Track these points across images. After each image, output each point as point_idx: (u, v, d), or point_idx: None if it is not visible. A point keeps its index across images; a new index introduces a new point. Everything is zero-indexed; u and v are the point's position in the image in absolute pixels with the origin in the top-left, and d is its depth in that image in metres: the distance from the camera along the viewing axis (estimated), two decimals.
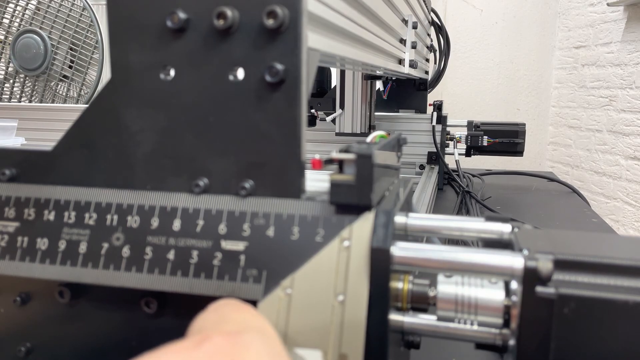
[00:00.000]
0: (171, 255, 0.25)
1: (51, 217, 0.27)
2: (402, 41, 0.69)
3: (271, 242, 0.25)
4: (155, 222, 0.26)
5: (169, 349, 0.17)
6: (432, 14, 1.11)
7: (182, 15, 0.25)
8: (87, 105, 0.28)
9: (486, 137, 1.00)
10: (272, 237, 0.25)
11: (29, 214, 0.28)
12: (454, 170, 0.99)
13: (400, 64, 0.69)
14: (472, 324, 0.25)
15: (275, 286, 0.24)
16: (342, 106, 0.93)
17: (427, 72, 1.11)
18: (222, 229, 0.25)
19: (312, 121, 0.97)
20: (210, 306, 0.22)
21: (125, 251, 0.26)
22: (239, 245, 0.25)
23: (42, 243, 0.27)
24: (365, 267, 0.24)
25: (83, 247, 0.26)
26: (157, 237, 0.26)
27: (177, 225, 0.26)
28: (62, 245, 0.27)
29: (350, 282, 0.23)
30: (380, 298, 0.23)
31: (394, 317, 0.25)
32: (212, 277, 0.25)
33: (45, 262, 0.26)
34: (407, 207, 0.32)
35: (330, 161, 0.26)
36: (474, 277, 0.25)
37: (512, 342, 0.24)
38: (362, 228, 0.24)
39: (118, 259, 0.26)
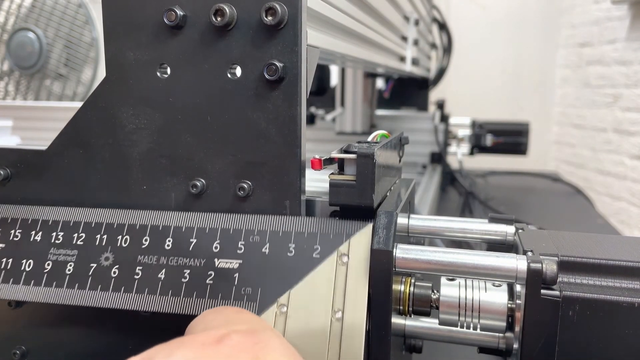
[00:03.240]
0: (162, 274, 0.25)
1: (38, 237, 0.27)
2: (404, 38, 0.68)
3: (267, 260, 0.24)
4: (146, 242, 0.26)
5: (184, 341, 0.17)
6: (434, 10, 1.10)
7: (179, 12, 0.25)
8: (82, 103, 0.27)
9: (491, 136, 0.99)
10: (268, 254, 0.24)
11: (15, 235, 0.27)
12: (456, 170, 0.98)
13: (401, 61, 0.68)
14: (475, 327, 0.25)
15: (271, 304, 0.23)
16: (342, 104, 0.92)
17: (429, 70, 1.10)
18: (216, 247, 0.25)
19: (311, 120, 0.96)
20: (208, 310, 0.22)
21: (115, 271, 0.25)
22: (234, 264, 0.24)
23: (28, 264, 0.26)
24: (365, 281, 0.23)
25: (70, 268, 0.26)
26: (148, 256, 0.25)
27: (169, 244, 0.25)
28: (48, 266, 0.26)
29: (349, 298, 0.23)
30: (383, 301, 0.23)
31: (396, 320, 0.25)
32: (204, 296, 0.24)
33: (30, 284, 0.26)
34: (409, 208, 0.31)
35: (330, 161, 0.25)
36: (477, 280, 0.25)
37: (515, 345, 0.24)
38: (360, 242, 0.24)
39: (106, 279, 0.25)
